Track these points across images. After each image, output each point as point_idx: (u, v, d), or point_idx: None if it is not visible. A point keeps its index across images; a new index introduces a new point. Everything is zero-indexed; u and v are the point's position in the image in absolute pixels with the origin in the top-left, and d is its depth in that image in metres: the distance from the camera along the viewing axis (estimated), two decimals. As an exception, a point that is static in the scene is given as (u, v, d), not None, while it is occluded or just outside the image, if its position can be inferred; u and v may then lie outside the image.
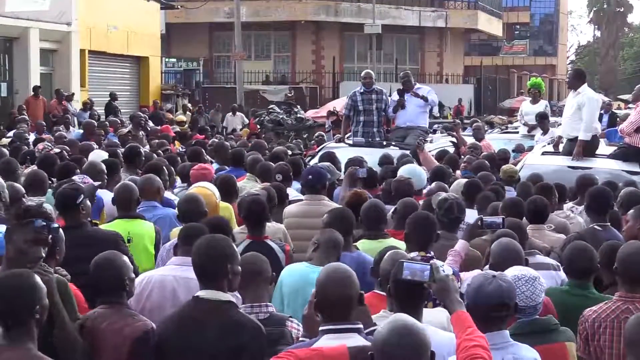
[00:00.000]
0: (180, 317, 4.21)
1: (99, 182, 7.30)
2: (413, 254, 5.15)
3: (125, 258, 4.58)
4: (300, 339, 4.08)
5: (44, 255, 4.32)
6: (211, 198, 6.77)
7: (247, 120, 26.08)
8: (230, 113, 26.51)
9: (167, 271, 5.16)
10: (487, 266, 5.21)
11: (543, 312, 4.57)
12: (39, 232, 4.34)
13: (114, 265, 4.47)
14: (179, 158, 10.62)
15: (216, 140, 14.24)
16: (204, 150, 10.81)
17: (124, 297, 4.45)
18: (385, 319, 3.59)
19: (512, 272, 4.43)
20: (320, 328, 3.79)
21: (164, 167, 8.36)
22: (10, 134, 15.11)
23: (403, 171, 8.35)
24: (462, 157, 11.26)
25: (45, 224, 4.36)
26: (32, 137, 14.90)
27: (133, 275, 4.57)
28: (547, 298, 4.96)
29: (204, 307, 4.16)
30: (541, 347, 4.25)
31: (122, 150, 10.09)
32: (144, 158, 9.57)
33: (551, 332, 4.44)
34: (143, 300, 4.95)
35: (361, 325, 3.80)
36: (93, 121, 17.37)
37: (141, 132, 14.98)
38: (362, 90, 12.64)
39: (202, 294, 4.20)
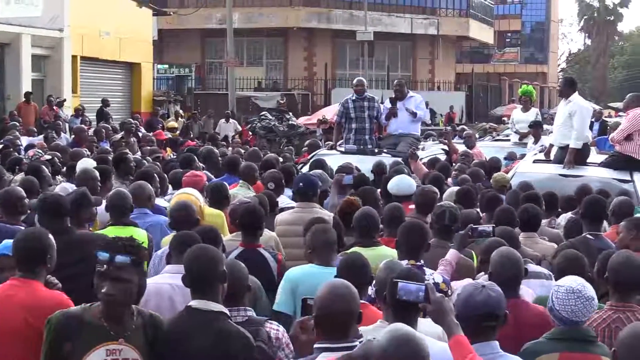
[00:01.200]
0: (173, 326, 4.19)
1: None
2: (403, 262, 5.15)
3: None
4: None
5: (106, 292, 3.89)
6: (195, 203, 6.77)
7: (239, 127, 26.07)
8: (224, 120, 26.46)
9: (162, 279, 5.14)
10: (482, 273, 5.23)
11: (543, 325, 4.55)
12: (100, 265, 3.93)
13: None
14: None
15: (209, 147, 14.21)
16: (195, 157, 10.80)
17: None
18: (381, 329, 3.59)
19: (570, 283, 4.39)
20: (316, 345, 3.77)
21: (155, 175, 8.36)
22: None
23: (393, 183, 8.32)
24: (454, 164, 11.27)
25: (111, 255, 3.92)
26: (24, 140, 14.89)
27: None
28: (545, 311, 4.96)
29: (196, 317, 4.15)
30: (580, 355, 4.28)
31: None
32: (133, 164, 9.57)
33: (590, 343, 4.38)
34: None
35: (357, 343, 3.76)
36: (83, 127, 17.36)
37: (133, 139, 14.99)
38: (354, 98, 12.66)
39: (195, 304, 4.19)
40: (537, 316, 4.89)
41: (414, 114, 12.57)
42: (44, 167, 9.03)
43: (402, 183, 8.25)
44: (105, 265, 3.90)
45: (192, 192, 7.03)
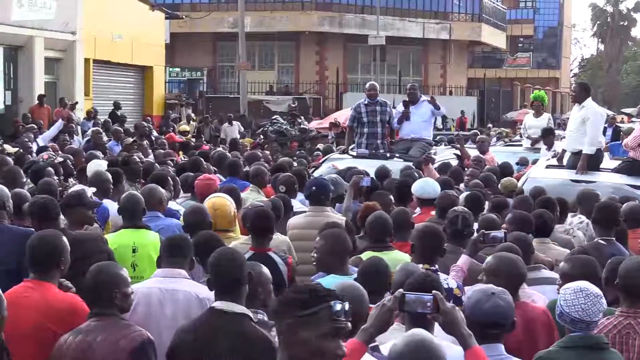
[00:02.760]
0: (196, 327, 4.22)
1: (94, 189, 7.31)
2: (418, 266, 5.15)
3: (123, 271, 4.49)
4: None
5: (344, 349, 3.02)
6: (229, 208, 6.77)
7: (242, 129, 26.10)
8: (227, 123, 26.46)
9: (152, 284, 5.06)
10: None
11: (545, 323, 4.53)
12: (337, 320, 2.99)
13: (104, 275, 4.39)
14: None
15: (221, 150, 14.23)
16: (203, 160, 10.80)
17: (115, 308, 4.36)
18: (397, 332, 3.59)
19: (577, 283, 4.39)
20: None
21: (169, 178, 8.38)
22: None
23: (418, 186, 8.30)
24: (466, 169, 11.24)
25: (343, 305, 3.01)
26: (40, 141, 14.95)
27: (128, 289, 4.43)
28: (547, 310, 4.97)
29: (220, 318, 4.18)
30: None
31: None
32: (140, 167, 9.57)
33: (603, 350, 4.35)
34: (128, 314, 4.78)
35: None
36: (100, 129, 17.42)
37: (146, 142, 15.02)
38: (366, 102, 12.67)
39: (219, 305, 4.22)
40: (542, 314, 4.93)
41: (436, 106, 12.65)
42: (49, 169, 9.06)
43: (428, 186, 8.24)
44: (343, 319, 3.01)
45: (226, 196, 7.02)
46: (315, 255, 5.55)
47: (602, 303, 4.33)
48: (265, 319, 4.60)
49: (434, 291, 3.69)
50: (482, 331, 3.99)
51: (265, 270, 4.78)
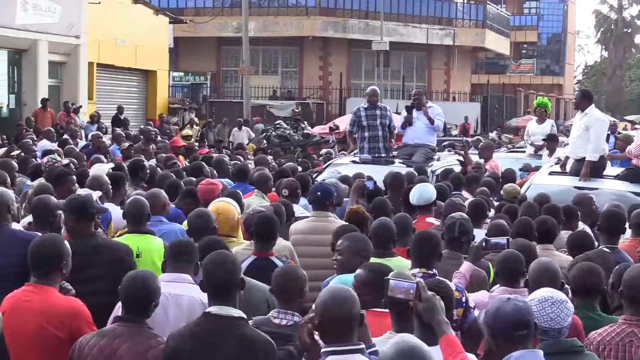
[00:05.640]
0: (192, 333, 4.19)
1: (100, 193, 7.28)
2: (415, 271, 5.16)
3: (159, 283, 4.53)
4: None
5: None
6: (233, 213, 6.78)
7: (253, 135, 26.10)
8: (237, 128, 26.53)
9: None
10: (497, 285, 5.21)
11: (572, 334, 4.51)
12: None
13: (148, 285, 4.42)
14: (184, 172, 10.61)
15: (219, 155, 14.22)
16: (205, 165, 10.79)
17: (146, 318, 4.42)
18: (388, 340, 3.59)
19: (540, 293, 4.36)
20: (323, 350, 3.77)
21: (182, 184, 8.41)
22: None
23: (414, 192, 8.27)
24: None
25: None
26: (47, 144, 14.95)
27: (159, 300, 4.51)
28: (578, 320, 4.90)
29: (217, 323, 4.15)
30: None
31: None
32: (148, 171, 9.58)
33: (578, 353, 4.34)
34: None
35: (363, 346, 3.78)
36: (99, 133, 17.44)
37: (152, 146, 15.04)
38: (366, 106, 12.64)
39: (214, 309, 4.20)
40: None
41: (431, 121, 12.57)
42: (73, 177, 9.00)
43: (423, 193, 8.20)
44: None
45: (231, 201, 7.01)
46: (338, 257, 5.59)
47: (569, 307, 4.32)
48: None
49: (417, 279, 3.90)
50: (510, 336, 3.97)
51: (303, 272, 4.75)
